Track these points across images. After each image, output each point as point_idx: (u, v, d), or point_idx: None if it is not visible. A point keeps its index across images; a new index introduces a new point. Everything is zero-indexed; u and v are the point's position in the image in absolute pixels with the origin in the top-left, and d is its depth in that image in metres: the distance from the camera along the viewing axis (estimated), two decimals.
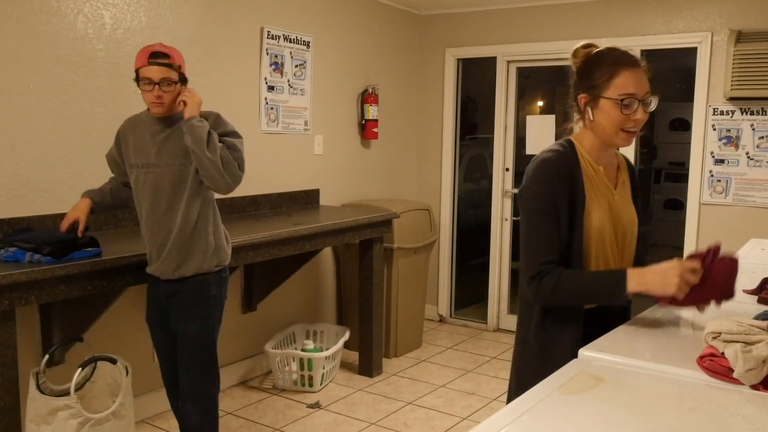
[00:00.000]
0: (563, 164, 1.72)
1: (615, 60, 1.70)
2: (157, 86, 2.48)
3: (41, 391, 2.54)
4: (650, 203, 6.39)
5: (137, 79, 2.54)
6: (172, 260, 2.59)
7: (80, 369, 2.63)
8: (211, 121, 2.56)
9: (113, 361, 2.71)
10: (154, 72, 2.48)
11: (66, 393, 2.55)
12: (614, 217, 1.78)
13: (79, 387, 2.66)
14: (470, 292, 5.60)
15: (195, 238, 2.60)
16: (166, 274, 2.61)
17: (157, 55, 2.49)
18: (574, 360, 1.49)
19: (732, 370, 1.31)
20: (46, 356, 2.69)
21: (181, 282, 2.60)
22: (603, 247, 1.75)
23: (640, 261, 1.86)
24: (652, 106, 1.71)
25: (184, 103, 2.50)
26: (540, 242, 1.70)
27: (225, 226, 2.77)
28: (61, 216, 3.09)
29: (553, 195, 1.69)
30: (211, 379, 2.71)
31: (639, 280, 1.61)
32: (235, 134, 2.62)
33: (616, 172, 1.86)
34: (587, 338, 1.63)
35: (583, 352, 1.51)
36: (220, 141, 2.51)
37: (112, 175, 2.85)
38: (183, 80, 2.56)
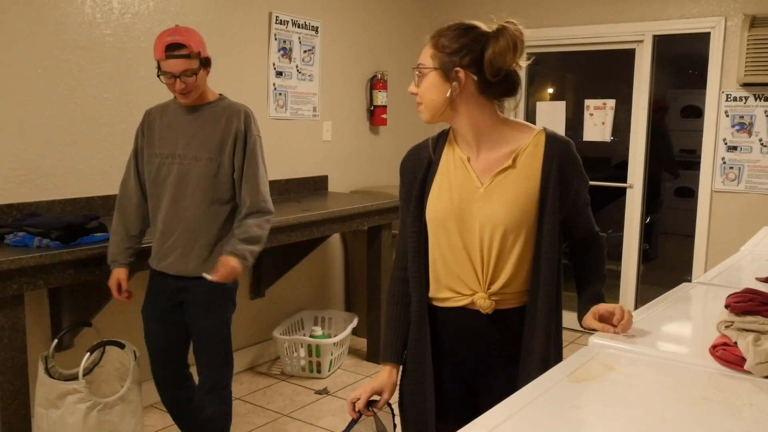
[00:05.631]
0: (411, 154, 1.74)
1: None
2: (178, 79, 2.40)
3: (50, 375, 2.55)
4: (660, 191, 6.34)
5: (158, 70, 2.44)
6: (191, 259, 2.51)
7: (89, 353, 2.64)
8: (244, 120, 2.53)
9: (121, 346, 2.72)
10: (173, 66, 2.37)
11: (74, 377, 2.56)
12: (467, 211, 1.61)
13: (88, 371, 2.67)
14: None
15: (221, 238, 2.52)
16: (182, 271, 2.53)
17: (173, 47, 2.37)
18: (585, 347, 1.47)
19: (745, 360, 1.30)
20: (55, 340, 2.70)
21: (198, 278, 2.52)
22: (440, 240, 1.66)
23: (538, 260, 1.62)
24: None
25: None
26: (400, 236, 1.79)
27: None
28: (70, 201, 3.11)
29: (404, 187, 1.75)
30: (229, 368, 2.69)
31: None
32: (261, 164, 2.57)
33: (505, 161, 1.60)
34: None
35: (594, 339, 1.49)
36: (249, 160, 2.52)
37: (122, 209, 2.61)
38: (206, 64, 2.46)
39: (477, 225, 1.60)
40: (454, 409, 1.72)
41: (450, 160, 1.67)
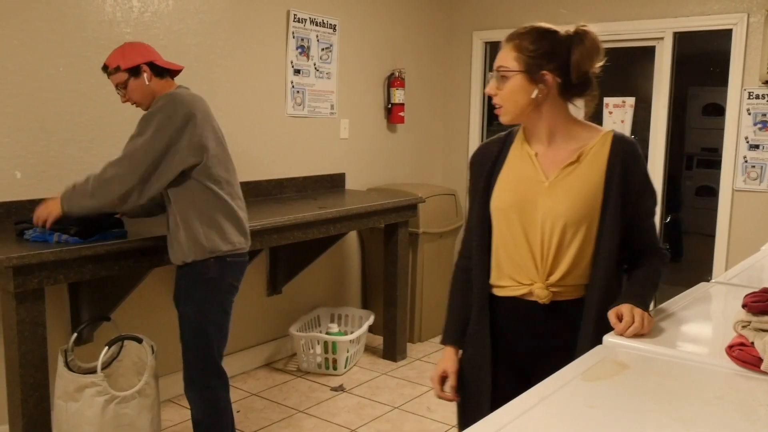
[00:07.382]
0: (481, 149, 1.83)
1: None
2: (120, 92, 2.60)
3: (69, 369, 2.59)
4: (681, 190, 6.28)
5: None
6: (173, 245, 2.58)
7: (107, 347, 2.67)
8: (154, 108, 2.50)
9: (139, 341, 2.75)
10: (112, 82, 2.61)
11: (93, 371, 2.59)
12: (530, 203, 1.66)
13: (106, 365, 2.70)
14: None
15: (177, 228, 2.53)
16: (171, 257, 2.61)
17: (104, 68, 2.60)
18: (598, 346, 1.46)
19: (762, 360, 1.28)
20: (75, 334, 2.73)
21: (183, 266, 2.57)
22: (503, 230, 1.72)
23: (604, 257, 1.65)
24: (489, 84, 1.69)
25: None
26: (466, 226, 1.87)
27: (246, 210, 2.70)
28: None
29: (472, 179, 1.83)
30: (206, 368, 2.60)
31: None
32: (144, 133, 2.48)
33: (571, 157, 1.66)
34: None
35: (608, 338, 1.48)
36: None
37: None
38: (134, 73, 2.54)
39: (539, 217, 1.66)
40: (507, 395, 1.73)
41: (518, 155, 1.73)
